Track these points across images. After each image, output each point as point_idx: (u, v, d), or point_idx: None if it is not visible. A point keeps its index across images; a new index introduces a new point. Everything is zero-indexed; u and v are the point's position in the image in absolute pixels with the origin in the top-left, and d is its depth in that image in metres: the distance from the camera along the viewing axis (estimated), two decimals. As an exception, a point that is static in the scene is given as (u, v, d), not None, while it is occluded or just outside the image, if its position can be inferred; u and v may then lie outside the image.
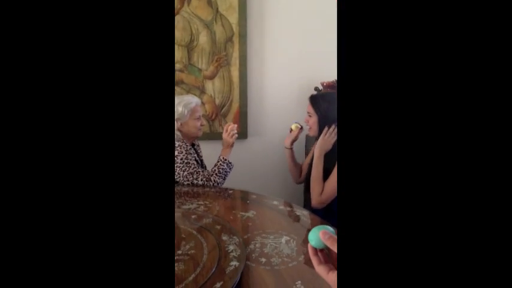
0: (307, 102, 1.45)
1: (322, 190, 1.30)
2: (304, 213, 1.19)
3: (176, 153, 1.48)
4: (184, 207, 1.22)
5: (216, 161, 1.54)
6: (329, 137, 1.35)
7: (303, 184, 2.08)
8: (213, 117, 2.03)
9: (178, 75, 1.93)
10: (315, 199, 1.30)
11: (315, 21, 2.04)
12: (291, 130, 1.63)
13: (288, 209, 1.25)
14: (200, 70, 1.95)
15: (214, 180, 1.49)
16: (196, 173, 1.49)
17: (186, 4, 1.87)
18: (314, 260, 0.53)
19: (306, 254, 0.89)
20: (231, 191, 1.43)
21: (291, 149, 1.65)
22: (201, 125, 1.57)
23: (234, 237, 0.95)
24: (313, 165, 1.36)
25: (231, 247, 0.90)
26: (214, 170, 1.51)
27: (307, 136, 2.05)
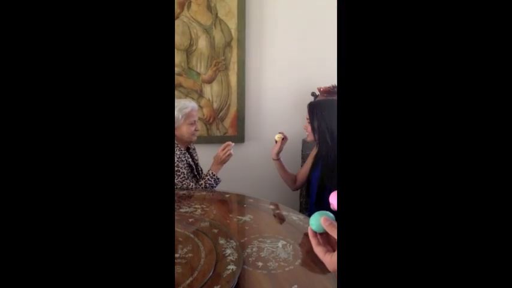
0: (306, 108, 1.48)
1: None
2: (300, 218, 1.20)
3: None
4: (181, 210, 1.23)
5: (205, 174, 1.57)
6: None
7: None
8: (211, 121, 2.04)
9: (177, 78, 1.94)
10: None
11: (312, 27, 2.07)
12: (276, 141, 1.63)
13: (285, 213, 1.26)
14: (199, 74, 1.97)
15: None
16: (184, 182, 1.50)
17: (185, 9, 1.89)
18: (313, 241, 0.58)
19: (303, 258, 0.90)
20: (227, 195, 1.44)
21: (278, 159, 1.64)
22: (196, 130, 1.56)
23: (231, 241, 0.96)
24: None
25: (228, 251, 0.90)
26: (201, 183, 1.54)
27: (303, 141, 2.07)
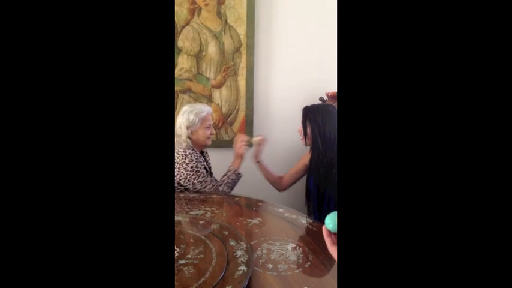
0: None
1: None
2: (309, 221, 1.21)
3: (187, 160, 1.51)
4: (192, 213, 1.25)
5: (226, 171, 1.58)
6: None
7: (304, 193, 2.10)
8: (220, 125, 2.07)
9: (186, 83, 1.98)
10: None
11: (320, 33, 2.09)
12: (252, 145, 1.65)
13: (294, 216, 1.28)
14: (208, 79, 2.00)
15: (222, 190, 1.53)
16: (205, 182, 1.52)
17: (196, 15, 1.93)
18: (328, 241, 0.59)
19: (312, 261, 0.92)
20: (237, 198, 1.46)
21: (259, 162, 1.65)
22: (211, 134, 1.60)
23: (242, 243, 0.98)
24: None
25: (239, 252, 0.92)
26: (224, 179, 1.56)
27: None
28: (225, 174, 1.57)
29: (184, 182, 1.50)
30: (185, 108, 1.58)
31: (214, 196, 1.48)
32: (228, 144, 1.96)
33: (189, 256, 0.90)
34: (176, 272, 0.82)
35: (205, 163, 1.63)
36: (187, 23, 1.92)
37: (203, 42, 1.95)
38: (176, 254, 0.90)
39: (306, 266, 0.89)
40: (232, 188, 1.57)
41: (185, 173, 1.49)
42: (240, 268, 0.84)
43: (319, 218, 1.42)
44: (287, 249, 0.98)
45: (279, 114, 2.14)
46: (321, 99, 2.04)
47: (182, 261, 0.87)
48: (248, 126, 2.09)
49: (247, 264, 0.86)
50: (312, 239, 1.06)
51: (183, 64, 1.95)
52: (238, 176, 1.58)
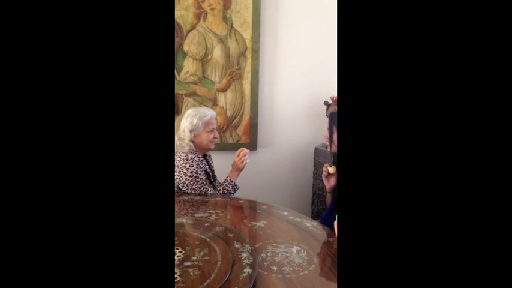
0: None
1: None
2: (313, 224, 1.21)
3: (188, 165, 1.51)
4: (197, 215, 1.26)
5: (223, 180, 1.60)
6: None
7: (311, 196, 2.10)
8: (224, 128, 2.08)
9: (192, 87, 1.99)
10: None
11: (325, 37, 2.10)
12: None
13: (298, 219, 1.28)
14: (213, 83, 2.01)
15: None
16: (203, 188, 1.54)
17: (202, 19, 1.95)
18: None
19: (317, 263, 0.92)
20: (241, 201, 1.47)
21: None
22: (214, 138, 1.60)
23: (246, 245, 0.98)
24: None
25: (244, 255, 0.92)
26: (219, 189, 1.58)
27: (316, 149, 2.08)
28: (221, 185, 1.59)
29: (183, 186, 1.52)
30: (189, 111, 1.59)
31: (218, 199, 1.49)
32: (233, 147, 1.97)
33: (194, 258, 0.90)
34: (181, 273, 0.83)
35: (207, 167, 1.63)
36: (193, 27, 1.94)
37: (209, 46, 1.97)
38: (181, 256, 0.91)
39: (311, 268, 0.89)
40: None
41: (184, 177, 1.50)
42: (245, 270, 0.84)
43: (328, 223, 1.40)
44: (292, 251, 0.98)
45: (284, 117, 2.15)
46: (325, 103, 2.04)
47: (187, 263, 0.87)
48: (253, 130, 2.10)
49: (252, 266, 0.86)
50: (316, 242, 1.06)
51: (188, 68, 1.97)
52: (234, 187, 1.60)
